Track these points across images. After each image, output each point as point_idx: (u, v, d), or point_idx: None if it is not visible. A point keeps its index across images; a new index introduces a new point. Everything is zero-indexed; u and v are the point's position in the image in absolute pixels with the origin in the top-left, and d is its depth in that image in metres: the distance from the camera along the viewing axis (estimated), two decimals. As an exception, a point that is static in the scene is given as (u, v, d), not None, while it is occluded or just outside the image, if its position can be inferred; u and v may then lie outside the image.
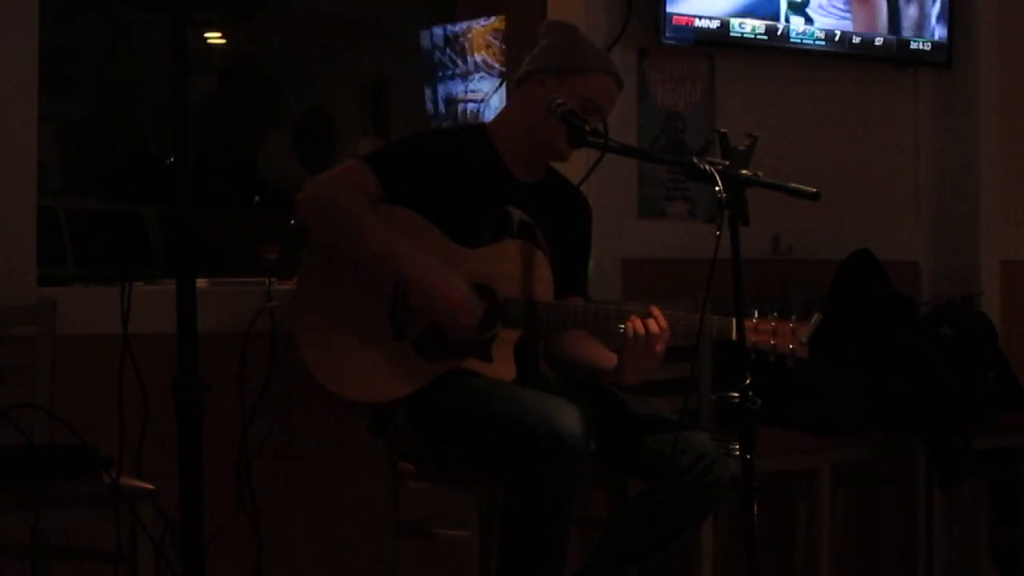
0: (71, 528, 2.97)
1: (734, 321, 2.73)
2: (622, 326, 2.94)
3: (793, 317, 2.93)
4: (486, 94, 4.49)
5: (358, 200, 2.97)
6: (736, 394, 2.53)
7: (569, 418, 2.76)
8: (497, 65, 4.44)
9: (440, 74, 4.71)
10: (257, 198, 9.00)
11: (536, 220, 3.13)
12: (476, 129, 3.25)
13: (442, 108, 4.75)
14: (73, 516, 2.77)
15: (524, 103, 3.14)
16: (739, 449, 2.53)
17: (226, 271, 3.65)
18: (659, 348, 2.93)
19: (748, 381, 2.52)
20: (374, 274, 2.98)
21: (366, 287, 2.99)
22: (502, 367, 3.00)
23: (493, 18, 4.46)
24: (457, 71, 4.63)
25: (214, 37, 9.48)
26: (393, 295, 2.99)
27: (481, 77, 4.52)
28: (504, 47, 4.46)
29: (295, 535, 3.49)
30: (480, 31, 4.51)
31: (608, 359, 3.05)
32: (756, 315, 2.93)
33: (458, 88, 4.62)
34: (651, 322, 2.92)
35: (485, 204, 3.08)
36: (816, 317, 2.92)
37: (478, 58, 4.47)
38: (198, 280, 2.45)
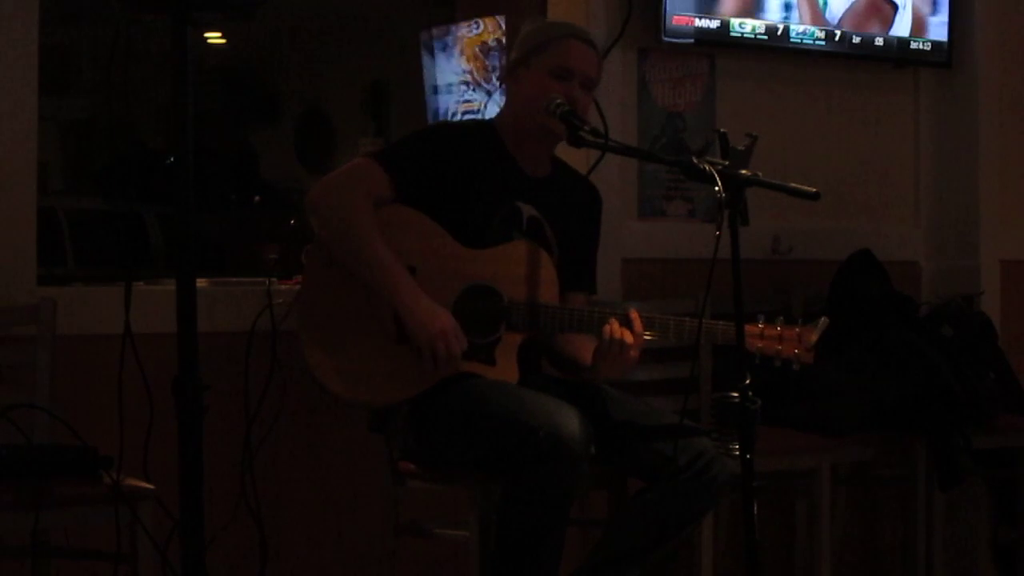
0: (71, 528, 2.97)
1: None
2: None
3: (799, 322, 2.93)
4: (481, 104, 4.34)
5: (365, 212, 2.95)
6: (736, 394, 2.53)
7: (570, 420, 2.76)
8: (482, 81, 4.32)
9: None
10: (257, 198, 8.99)
11: (545, 215, 3.13)
12: (485, 125, 3.26)
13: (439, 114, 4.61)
14: (73, 516, 2.77)
15: (509, 100, 3.21)
16: (739, 449, 2.53)
17: (226, 271, 3.65)
18: (633, 354, 2.94)
19: (748, 381, 2.52)
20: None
21: (370, 289, 2.99)
22: (505, 370, 2.99)
23: (484, 25, 4.30)
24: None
25: (214, 37, 9.48)
26: None
27: (474, 89, 4.40)
28: (487, 63, 4.32)
29: (295, 535, 3.49)
30: (470, 40, 4.37)
31: (587, 355, 3.04)
32: (762, 321, 2.92)
33: (451, 98, 4.47)
34: (626, 332, 2.93)
35: (495, 199, 3.08)
36: (823, 322, 2.91)
37: (466, 67, 4.33)
38: (198, 280, 2.45)
